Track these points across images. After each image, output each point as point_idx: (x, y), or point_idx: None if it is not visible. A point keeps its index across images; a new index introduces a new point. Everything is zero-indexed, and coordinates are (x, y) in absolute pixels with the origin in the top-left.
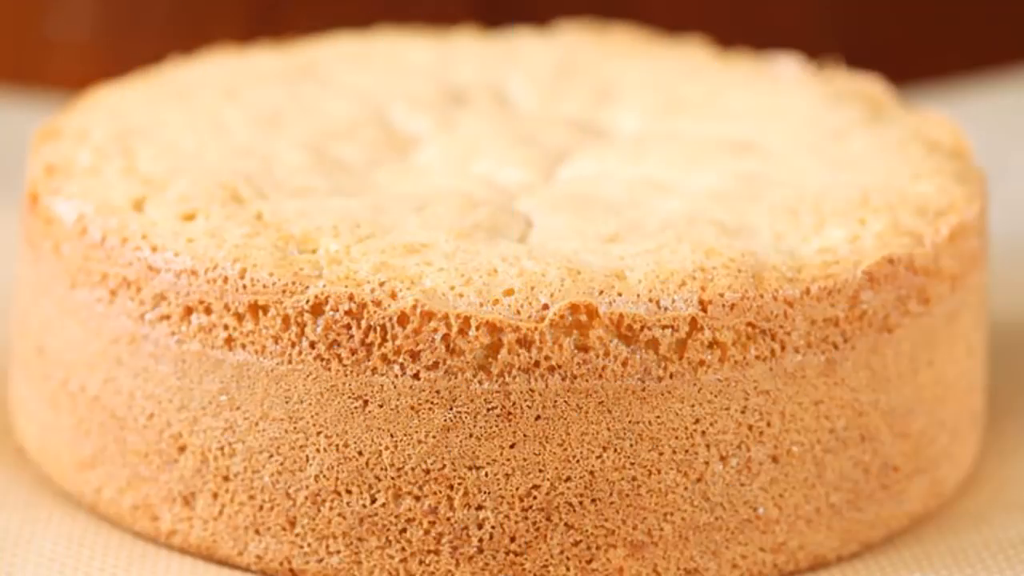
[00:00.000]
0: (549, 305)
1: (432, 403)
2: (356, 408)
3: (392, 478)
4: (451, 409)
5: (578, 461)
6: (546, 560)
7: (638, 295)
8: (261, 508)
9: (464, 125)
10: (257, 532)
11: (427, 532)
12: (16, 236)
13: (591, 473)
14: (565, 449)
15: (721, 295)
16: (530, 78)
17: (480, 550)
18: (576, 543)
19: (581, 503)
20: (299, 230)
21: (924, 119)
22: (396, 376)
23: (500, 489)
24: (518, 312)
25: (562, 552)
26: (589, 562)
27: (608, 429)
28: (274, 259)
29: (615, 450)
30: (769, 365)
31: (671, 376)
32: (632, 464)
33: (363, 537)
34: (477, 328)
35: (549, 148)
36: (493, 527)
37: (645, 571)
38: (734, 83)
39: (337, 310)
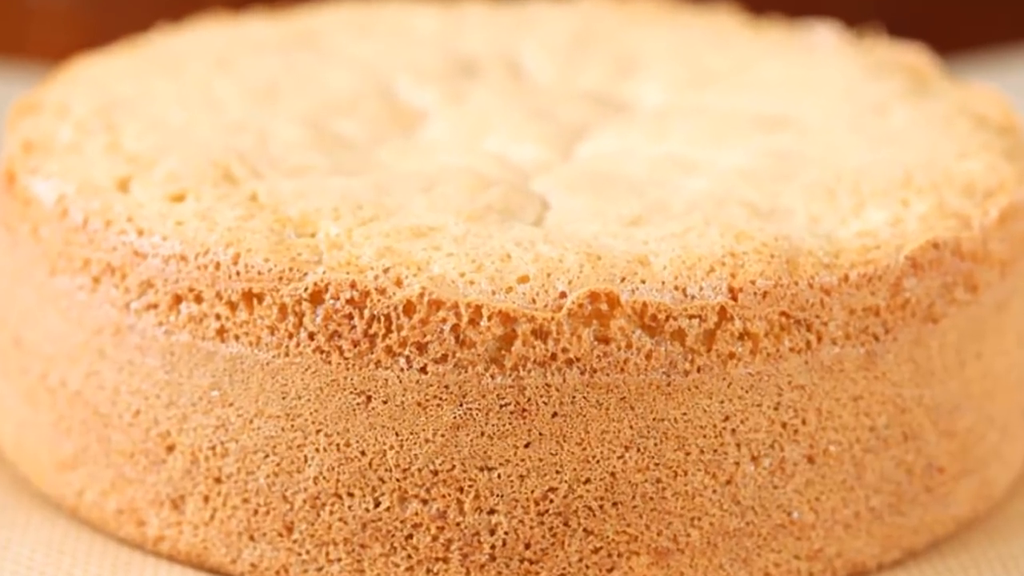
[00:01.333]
0: (567, 293)
1: (440, 399)
2: (358, 404)
3: (397, 480)
4: (461, 405)
5: (598, 462)
6: (563, 569)
7: (663, 282)
8: (256, 512)
9: (474, 98)
10: (251, 538)
11: (435, 538)
12: None
13: (612, 475)
14: (584, 449)
15: (752, 282)
16: (545, 48)
17: (492, 558)
18: (596, 550)
19: (601, 507)
20: (297, 212)
21: (971, 92)
22: (402, 370)
23: (514, 492)
24: (533, 301)
25: (581, 560)
26: (610, 571)
27: (631, 427)
28: (270, 243)
29: (638, 450)
30: (804, 358)
31: (698, 370)
32: (656, 465)
33: (366, 544)
34: (489, 318)
35: (566, 123)
36: (506, 533)
37: None
38: (766, 53)
39: (338, 298)
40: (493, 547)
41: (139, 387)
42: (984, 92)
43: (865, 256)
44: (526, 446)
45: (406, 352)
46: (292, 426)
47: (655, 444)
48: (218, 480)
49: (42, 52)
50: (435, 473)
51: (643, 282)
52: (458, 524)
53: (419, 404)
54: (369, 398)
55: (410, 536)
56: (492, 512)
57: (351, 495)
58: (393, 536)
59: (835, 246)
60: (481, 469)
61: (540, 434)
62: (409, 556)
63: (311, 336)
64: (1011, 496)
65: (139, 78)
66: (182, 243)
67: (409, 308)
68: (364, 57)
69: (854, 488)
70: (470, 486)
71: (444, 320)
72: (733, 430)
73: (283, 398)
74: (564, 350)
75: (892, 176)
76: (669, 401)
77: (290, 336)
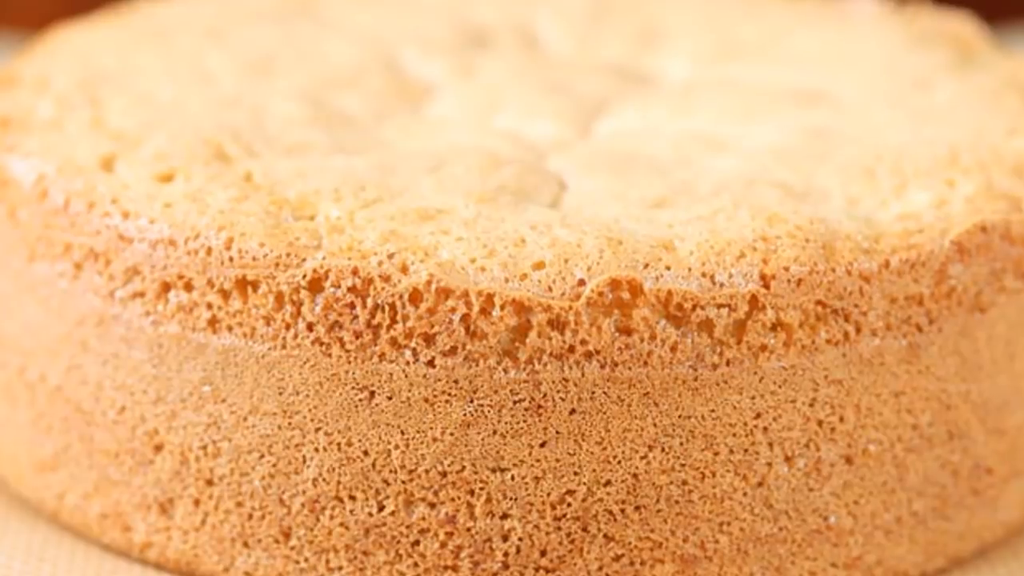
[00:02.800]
0: (586, 280)
1: (449, 395)
2: (361, 401)
3: (403, 482)
4: (472, 402)
5: (619, 462)
6: None
7: (689, 269)
8: (250, 517)
9: (486, 71)
10: (246, 544)
11: (443, 545)
12: None
13: (635, 476)
14: (604, 448)
15: (786, 269)
16: (562, 16)
17: (505, 566)
18: (617, 558)
19: (623, 511)
20: (295, 193)
21: (1021, 64)
22: (407, 363)
23: (529, 495)
24: (550, 288)
25: (601, 568)
26: None
27: (654, 425)
28: (265, 227)
29: (663, 449)
30: (842, 350)
31: (728, 363)
32: (682, 466)
33: (369, 551)
34: (502, 307)
35: (585, 98)
36: (520, 539)
37: None
38: (800, 23)
39: (339, 286)
40: (506, 554)
41: (124, 382)
42: None
43: (907, 241)
44: (542, 445)
45: (412, 344)
46: (289, 424)
47: (681, 443)
48: (210, 482)
49: (20, 21)
50: (444, 475)
51: (668, 268)
52: (468, 530)
53: (426, 400)
54: (372, 394)
55: (416, 542)
56: (505, 516)
57: (353, 498)
58: (398, 542)
59: (875, 230)
60: (493, 470)
61: (557, 432)
62: (416, 564)
63: (310, 327)
64: None
65: (124, 49)
66: (171, 227)
67: (416, 297)
68: (367, 27)
69: (895, 491)
70: (481, 488)
71: (453, 310)
72: (765, 428)
73: (280, 394)
74: (583, 342)
75: (936, 155)
76: (696, 397)
77: (287, 327)
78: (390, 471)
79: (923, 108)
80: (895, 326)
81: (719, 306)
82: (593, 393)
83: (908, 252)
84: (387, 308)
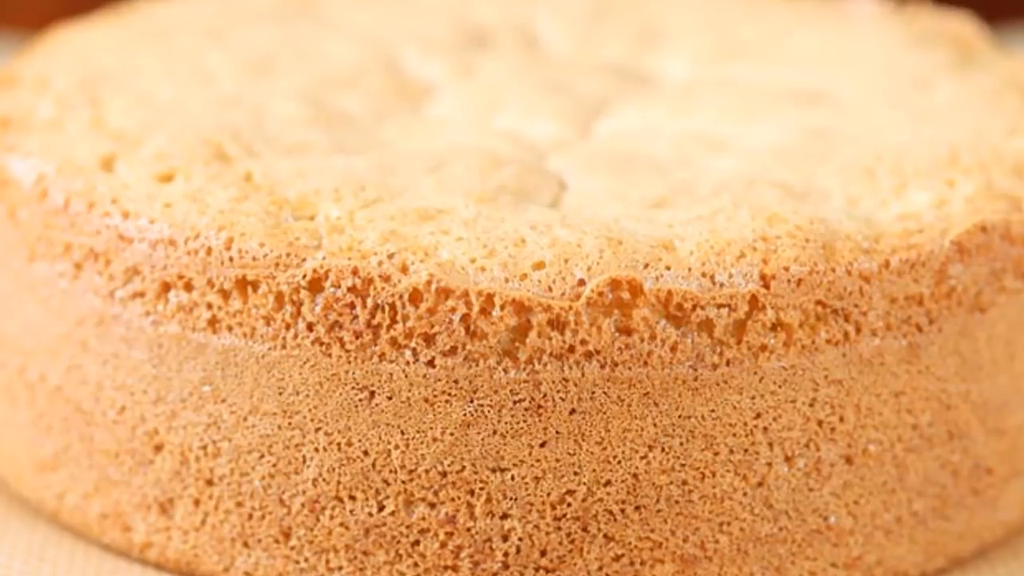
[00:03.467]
0: (586, 280)
1: (449, 395)
2: (361, 401)
3: (403, 482)
4: (472, 402)
5: (619, 462)
6: None
7: (689, 269)
8: (250, 517)
9: (486, 71)
10: (246, 544)
11: (443, 545)
12: None
13: (635, 476)
14: (604, 448)
15: (786, 269)
16: (562, 16)
17: (505, 566)
18: (617, 558)
19: (623, 511)
20: (295, 193)
21: (1021, 64)
22: (407, 363)
23: (529, 495)
24: (550, 288)
25: (601, 568)
26: None
27: (654, 425)
28: (265, 227)
29: (663, 449)
30: (842, 350)
31: (728, 363)
32: (682, 466)
33: (369, 551)
34: (502, 307)
35: (585, 98)
36: (520, 539)
37: None
38: (800, 23)
39: (339, 286)
40: (506, 554)
41: (124, 382)
42: None
43: (907, 241)
44: (542, 445)
45: (412, 344)
46: (289, 424)
47: (681, 443)
48: (210, 482)
49: (20, 21)
50: (444, 475)
51: (668, 268)
52: (468, 530)
53: (426, 400)
54: (372, 394)
55: (416, 542)
56: (505, 516)
57: (353, 498)
58: (398, 542)
59: (875, 230)
60: (493, 470)
61: (557, 432)
62: (416, 564)
63: (310, 327)
64: None
65: (124, 49)
66: (171, 227)
67: (416, 296)
68: (367, 27)
69: (895, 491)
70: (481, 488)
71: (453, 310)
72: (765, 428)
73: (280, 394)
74: (583, 342)
75: (936, 155)
76: (696, 397)
77: (287, 327)
78: (390, 471)
79: (923, 108)
80: (895, 326)
81: (719, 306)
82: (593, 393)
83: (908, 252)
84: (387, 308)
